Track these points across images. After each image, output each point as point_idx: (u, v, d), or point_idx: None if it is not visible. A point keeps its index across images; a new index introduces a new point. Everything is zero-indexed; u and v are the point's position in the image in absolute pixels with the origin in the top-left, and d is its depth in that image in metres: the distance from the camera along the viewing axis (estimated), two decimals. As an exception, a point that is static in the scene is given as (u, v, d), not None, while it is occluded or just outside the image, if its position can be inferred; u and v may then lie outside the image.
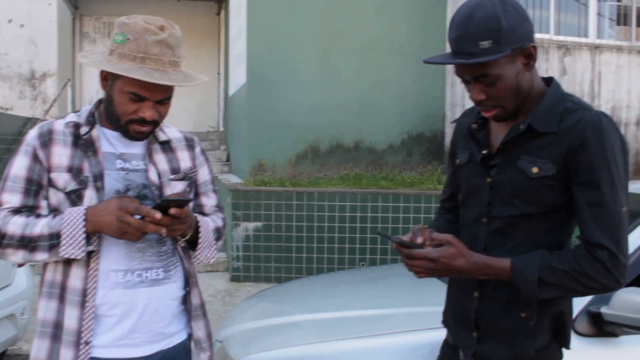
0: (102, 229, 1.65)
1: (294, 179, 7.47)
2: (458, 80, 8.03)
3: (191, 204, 1.93)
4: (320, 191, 6.74)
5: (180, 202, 1.66)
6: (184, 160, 1.93)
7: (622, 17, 8.81)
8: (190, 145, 1.98)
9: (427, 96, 8.01)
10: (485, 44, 1.50)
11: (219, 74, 12.34)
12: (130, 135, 1.77)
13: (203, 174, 2.00)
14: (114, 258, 1.74)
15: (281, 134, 7.62)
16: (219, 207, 2.07)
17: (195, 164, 1.96)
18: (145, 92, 1.70)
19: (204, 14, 12.58)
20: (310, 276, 5.07)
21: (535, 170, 1.58)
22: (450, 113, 8.10)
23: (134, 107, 1.72)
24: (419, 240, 1.63)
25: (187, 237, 1.80)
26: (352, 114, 7.77)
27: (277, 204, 6.74)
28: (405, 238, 1.66)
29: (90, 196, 1.72)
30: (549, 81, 1.70)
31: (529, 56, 1.57)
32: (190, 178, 1.92)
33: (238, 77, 8.67)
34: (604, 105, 8.14)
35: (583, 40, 8.22)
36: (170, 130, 1.97)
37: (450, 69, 8.05)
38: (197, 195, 1.99)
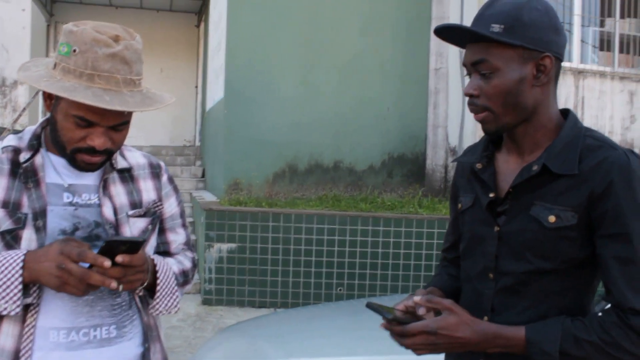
0: (40, 279, 1.35)
1: (270, 199, 7.22)
2: (440, 101, 7.95)
3: (153, 242, 1.67)
4: (297, 212, 6.49)
5: (133, 244, 1.36)
6: (147, 191, 1.64)
7: (605, 43, 8.77)
8: (155, 173, 1.69)
9: (409, 117, 7.84)
10: (496, 27, 1.33)
11: (196, 87, 12.08)
12: (77, 165, 1.48)
13: (170, 207, 1.71)
14: (56, 313, 1.44)
15: (258, 152, 7.37)
16: (188, 245, 1.78)
17: (160, 195, 1.67)
18: (93, 117, 1.41)
19: (183, 25, 12.33)
20: (288, 309, 4.82)
21: (552, 219, 1.35)
22: (432, 135, 7.93)
23: (81, 134, 1.43)
24: (421, 311, 1.36)
25: (145, 284, 1.51)
26: (332, 133, 7.56)
27: (252, 225, 6.47)
28: (400, 307, 1.40)
29: (28, 237, 1.43)
30: (564, 113, 1.45)
31: (541, 68, 1.35)
32: (154, 213, 1.63)
33: (216, 91, 8.43)
34: (586, 130, 8.01)
35: (567, 64, 8.13)
36: (132, 155, 1.68)
37: (433, 89, 7.91)
38: (162, 231, 1.70)
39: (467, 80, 1.44)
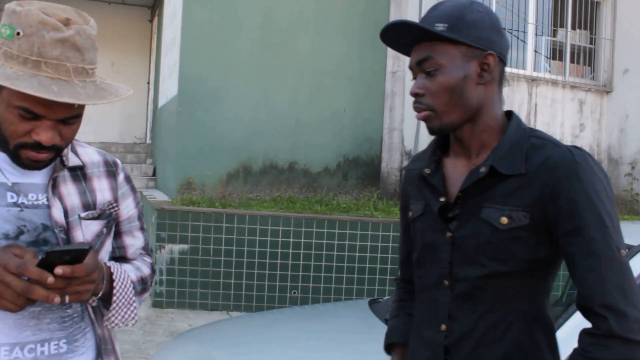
0: None
1: (224, 199, 7.07)
2: (397, 104, 7.95)
3: (109, 246, 1.54)
4: (252, 214, 6.37)
5: (77, 253, 1.21)
6: (102, 191, 1.49)
7: (557, 53, 8.96)
8: (111, 171, 1.54)
9: (364, 119, 7.81)
10: (441, 26, 1.35)
11: (148, 83, 11.79)
12: (22, 162, 1.33)
13: (127, 208, 1.57)
14: None
15: (212, 151, 7.22)
16: (147, 250, 1.65)
17: (116, 196, 1.52)
18: (40, 109, 1.25)
19: (136, 19, 12.02)
20: (244, 315, 4.70)
21: (504, 220, 1.33)
22: (387, 137, 7.93)
23: (25, 127, 1.28)
24: None
25: (100, 294, 1.38)
26: (287, 134, 7.47)
27: (205, 226, 6.31)
28: None
29: None
30: (508, 115, 1.45)
31: (484, 67, 1.37)
32: (109, 215, 1.49)
33: (169, 88, 8.23)
34: (538, 137, 8.15)
35: (521, 72, 8.27)
36: (85, 151, 1.52)
37: (389, 92, 7.90)
38: (118, 234, 1.57)
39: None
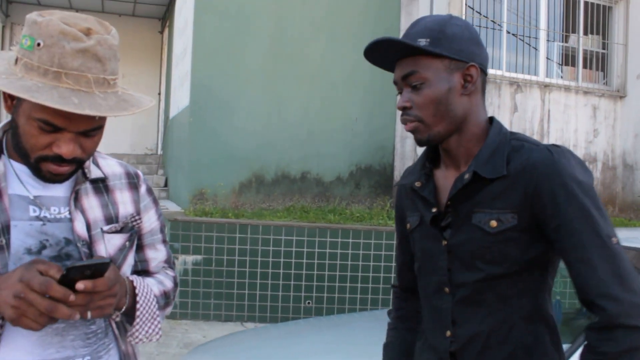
0: None
1: (237, 209, 7.05)
2: (409, 112, 7.91)
3: (131, 260, 1.51)
4: (265, 224, 6.33)
5: (98, 267, 1.19)
6: (124, 204, 1.46)
7: (569, 58, 8.89)
8: (133, 183, 1.51)
9: (376, 128, 7.78)
10: (423, 41, 1.39)
11: (159, 94, 11.82)
12: (43, 176, 1.30)
13: (149, 221, 1.54)
14: (21, 345, 1.26)
15: (224, 161, 7.20)
16: (169, 263, 1.62)
17: (138, 208, 1.49)
18: (60, 121, 1.22)
19: (146, 31, 12.07)
20: (260, 327, 4.65)
21: (493, 224, 1.37)
22: (400, 146, 7.89)
23: (46, 140, 1.25)
24: None
25: (123, 309, 1.35)
26: (299, 143, 7.45)
27: (218, 236, 6.29)
28: None
29: None
30: (490, 121, 1.48)
31: (467, 78, 1.41)
32: (131, 228, 1.46)
33: (180, 98, 8.23)
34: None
35: (534, 78, 8.21)
36: (107, 163, 1.49)
37: (401, 100, 7.86)
38: (140, 247, 1.53)
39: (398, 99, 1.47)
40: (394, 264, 6.33)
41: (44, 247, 1.31)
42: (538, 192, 1.33)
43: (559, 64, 8.84)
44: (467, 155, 1.45)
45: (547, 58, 8.61)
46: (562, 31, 8.83)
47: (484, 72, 1.45)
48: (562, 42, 8.84)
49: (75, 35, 1.21)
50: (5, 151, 1.35)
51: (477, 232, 1.38)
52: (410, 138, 7.83)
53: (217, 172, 7.17)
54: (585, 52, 8.84)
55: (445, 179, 1.49)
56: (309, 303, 6.33)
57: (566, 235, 1.30)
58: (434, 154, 1.55)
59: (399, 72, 1.44)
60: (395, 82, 1.47)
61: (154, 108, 11.89)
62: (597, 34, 8.92)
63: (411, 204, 1.57)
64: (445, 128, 1.41)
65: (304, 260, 6.32)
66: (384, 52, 1.45)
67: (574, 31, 8.81)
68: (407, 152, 7.82)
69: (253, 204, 7.33)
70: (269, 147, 7.33)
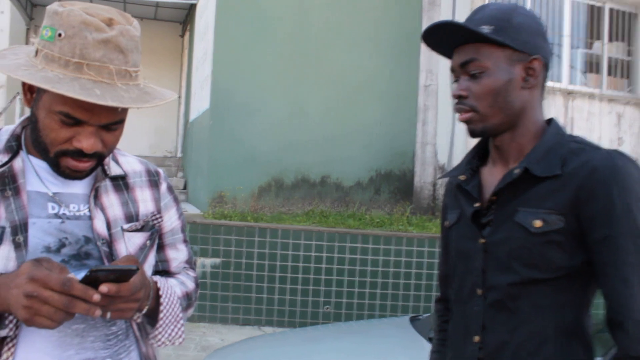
0: (10, 309, 1.12)
1: (256, 213, 7.03)
2: (430, 118, 7.84)
3: (152, 260, 1.47)
4: (284, 228, 6.30)
5: (123, 273, 1.15)
6: (145, 202, 1.42)
7: (593, 65, 8.77)
8: (153, 181, 1.47)
9: (397, 133, 7.73)
10: (486, 28, 1.33)
11: (179, 97, 11.86)
12: (62, 172, 1.26)
13: (170, 220, 1.49)
14: (40, 346, 1.21)
15: (244, 165, 7.19)
16: (190, 263, 1.57)
17: (159, 207, 1.45)
18: (82, 114, 1.18)
19: (167, 35, 12.13)
20: (279, 332, 4.61)
21: (537, 223, 1.28)
22: (420, 152, 7.82)
23: (67, 134, 1.21)
24: None
25: (144, 310, 1.30)
26: (319, 148, 7.41)
27: (237, 240, 6.26)
28: None
29: (5, 256, 1.20)
30: (549, 122, 1.41)
31: (530, 71, 1.35)
32: (152, 227, 1.42)
33: (200, 102, 8.24)
34: (575, 151, 7.95)
35: (557, 85, 8.10)
36: (127, 160, 1.46)
37: (422, 106, 7.81)
38: (161, 247, 1.49)
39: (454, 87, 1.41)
40: (414, 271, 6.26)
41: (63, 245, 1.27)
42: (591, 198, 1.24)
43: (582, 71, 8.72)
44: (518, 153, 1.38)
45: (571, 65, 8.50)
46: (586, 38, 8.72)
47: (546, 67, 1.38)
48: (586, 49, 8.73)
49: (98, 25, 1.18)
50: (24, 147, 1.31)
51: (519, 230, 1.30)
52: (431, 144, 7.76)
53: (237, 175, 7.15)
54: (609, 59, 8.72)
55: (491, 175, 1.43)
56: (327, 308, 6.28)
57: (611, 249, 1.21)
58: (482, 151, 1.49)
59: (458, 58, 1.38)
60: (452, 69, 1.41)
61: (174, 111, 11.94)
62: (622, 40, 8.80)
63: (453, 199, 1.52)
64: (501, 121, 1.35)
65: (323, 265, 6.27)
66: (443, 37, 1.39)
67: (598, 38, 8.69)
68: (428, 157, 7.75)
69: (272, 207, 7.30)
70: (289, 150, 7.31)
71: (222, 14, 7.27)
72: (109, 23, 1.20)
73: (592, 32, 8.73)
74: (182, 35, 12.23)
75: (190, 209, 7.67)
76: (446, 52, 1.43)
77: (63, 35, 1.17)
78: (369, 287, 6.27)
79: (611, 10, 8.63)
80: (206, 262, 6.26)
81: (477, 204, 1.40)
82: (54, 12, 1.21)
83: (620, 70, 8.81)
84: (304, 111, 7.39)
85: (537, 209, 1.29)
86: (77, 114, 1.19)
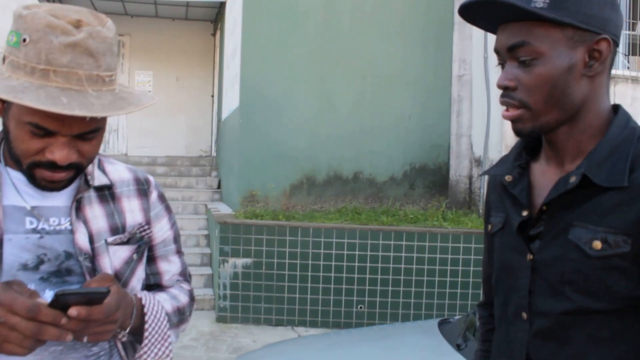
0: None
1: (287, 211, 6.94)
2: (464, 109, 7.62)
3: (142, 274, 1.38)
4: (316, 226, 6.19)
5: (95, 296, 1.07)
6: (132, 212, 1.35)
7: (637, 47, 8.39)
8: (142, 190, 1.39)
9: (431, 126, 7.53)
10: (540, 1, 1.04)
11: (212, 96, 11.88)
12: (38, 183, 1.19)
13: (161, 231, 1.41)
14: None
15: (275, 162, 7.10)
16: (184, 276, 1.49)
17: (148, 217, 1.37)
18: (52, 124, 1.11)
19: (199, 34, 12.14)
20: (309, 336, 4.50)
21: (597, 245, 1.05)
22: (455, 144, 7.60)
23: (38, 145, 1.14)
24: None
25: (128, 329, 1.23)
26: (351, 143, 7.27)
27: (269, 239, 6.18)
28: None
29: None
30: (615, 110, 1.16)
31: (595, 54, 1.07)
32: (140, 239, 1.34)
33: (231, 100, 8.19)
34: (618, 139, 7.63)
35: (598, 70, 7.77)
36: (115, 169, 1.38)
37: (456, 97, 7.59)
38: (152, 259, 1.41)
39: (497, 71, 1.15)
40: (449, 268, 6.08)
41: (41, 262, 1.21)
42: None
43: (625, 54, 8.35)
44: (576, 150, 1.14)
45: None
46: (629, 18, 8.35)
47: (615, 45, 1.11)
48: (629, 30, 8.35)
49: (64, 28, 1.09)
50: (2, 159, 1.25)
51: (574, 251, 1.09)
52: (466, 136, 7.53)
53: (268, 173, 7.08)
54: (654, 40, 8.34)
55: (544, 175, 1.20)
56: (361, 307, 6.15)
57: None
58: (534, 142, 1.26)
59: (504, 39, 1.12)
60: (496, 51, 1.15)
61: (208, 110, 11.95)
62: (667, 21, 8.40)
63: (498, 200, 1.29)
64: (556, 118, 1.11)
65: (356, 264, 6.14)
66: (485, 12, 1.13)
67: (641, 19, 8.33)
68: (463, 150, 7.53)
69: (304, 205, 7.20)
70: (320, 146, 7.19)
71: (249, 10, 7.19)
72: (77, 25, 1.11)
73: (636, 13, 8.35)
74: (214, 34, 12.22)
75: (223, 209, 7.63)
76: (489, 27, 1.17)
77: (28, 40, 1.09)
78: (403, 286, 6.11)
79: (654, -11, 8.24)
80: (238, 263, 6.20)
81: (525, 212, 1.18)
82: (18, 15, 1.12)
83: (666, 52, 8.42)
84: (334, 106, 7.26)
85: (597, 227, 1.07)
86: (47, 124, 1.11)
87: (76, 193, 1.27)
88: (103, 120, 1.18)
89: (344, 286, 6.15)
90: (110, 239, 1.29)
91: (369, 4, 7.36)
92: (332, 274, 6.14)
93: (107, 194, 1.33)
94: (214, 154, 11.19)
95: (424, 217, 6.65)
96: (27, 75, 1.08)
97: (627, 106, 6.86)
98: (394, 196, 7.40)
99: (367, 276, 6.13)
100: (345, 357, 2.76)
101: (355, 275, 6.13)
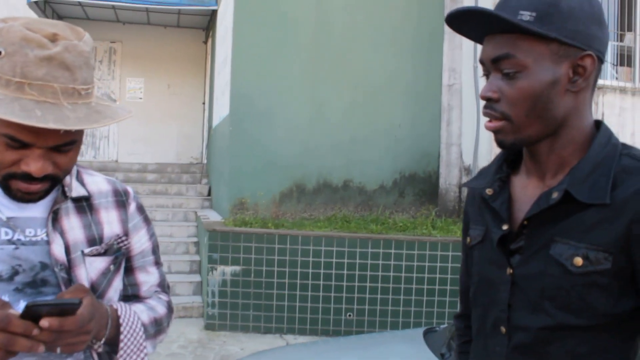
0: None
1: (277, 219, 6.94)
2: (454, 118, 7.65)
3: (119, 285, 1.39)
4: (305, 234, 6.19)
5: (66, 306, 1.08)
6: (110, 224, 1.36)
7: (625, 58, 8.46)
8: (120, 201, 1.40)
9: (421, 134, 7.56)
10: (527, 14, 1.05)
11: (204, 103, 11.88)
12: (14, 195, 1.20)
13: (139, 242, 1.43)
14: None
15: (265, 170, 7.11)
16: (163, 287, 1.49)
17: (126, 228, 1.39)
18: (27, 136, 1.12)
19: (191, 41, 12.15)
20: (297, 345, 4.50)
21: (578, 261, 1.06)
22: (445, 153, 7.64)
23: (13, 157, 1.15)
24: None
25: (103, 340, 1.23)
26: (341, 151, 7.29)
27: (257, 247, 6.18)
28: None
29: None
30: (597, 126, 1.16)
31: (579, 70, 1.08)
32: (117, 250, 1.35)
33: (222, 108, 8.21)
34: (606, 148, 7.69)
35: (586, 80, 7.84)
36: (93, 180, 1.39)
37: (446, 106, 7.62)
38: (130, 270, 1.42)
39: (482, 82, 1.15)
40: (438, 276, 6.09)
41: (16, 272, 1.21)
42: None
43: (613, 64, 8.42)
44: (558, 165, 1.15)
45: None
46: (617, 30, 8.42)
47: (600, 61, 1.11)
48: (617, 41, 8.43)
49: (40, 41, 1.10)
50: None
51: (555, 267, 1.09)
52: (456, 145, 7.57)
53: (258, 181, 7.08)
54: (642, 51, 8.41)
55: (524, 189, 1.20)
56: (349, 315, 6.15)
57: None
58: (515, 154, 1.26)
59: (489, 51, 1.12)
60: (481, 62, 1.15)
61: (199, 118, 11.95)
62: (655, 31, 8.48)
63: (477, 213, 1.29)
64: (538, 131, 1.11)
65: (345, 272, 6.14)
66: (471, 23, 1.13)
67: (629, 29, 8.39)
68: (453, 159, 7.57)
69: (294, 213, 7.21)
70: (310, 154, 7.21)
71: (241, 18, 7.21)
72: (53, 39, 1.13)
73: (623, 24, 8.43)
74: (206, 42, 12.24)
75: (213, 216, 7.63)
76: (475, 37, 1.18)
77: (3, 53, 1.10)
78: (391, 294, 6.12)
79: (643, 0, 8.32)
80: (227, 270, 6.19)
81: (505, 227, 1.17)
82: None
83: (654, 62, 8.49)
84: (324, 114, 7.28)
85: (579, 243, 1.07)
86: (22, 136, 1.12)
87: (53, 204, 1.28)
88: (79, 133, 1.19)
89: (332, 294, 6.15)
90: (87, 250, 1.30)
91: (360, 14, 7.40)
92: (321, 282, 6.14)
93: (84, 205, 1.34)
94: (204, 161, 11.18)
95: (413, 226, 6.67)
96: (2, 87, 1.09)
97: (615, 116, 6.88)
98: (384, 204, 7.42)
99: (356, 284, 6.13)
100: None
101: (344, 283, 6.14)
